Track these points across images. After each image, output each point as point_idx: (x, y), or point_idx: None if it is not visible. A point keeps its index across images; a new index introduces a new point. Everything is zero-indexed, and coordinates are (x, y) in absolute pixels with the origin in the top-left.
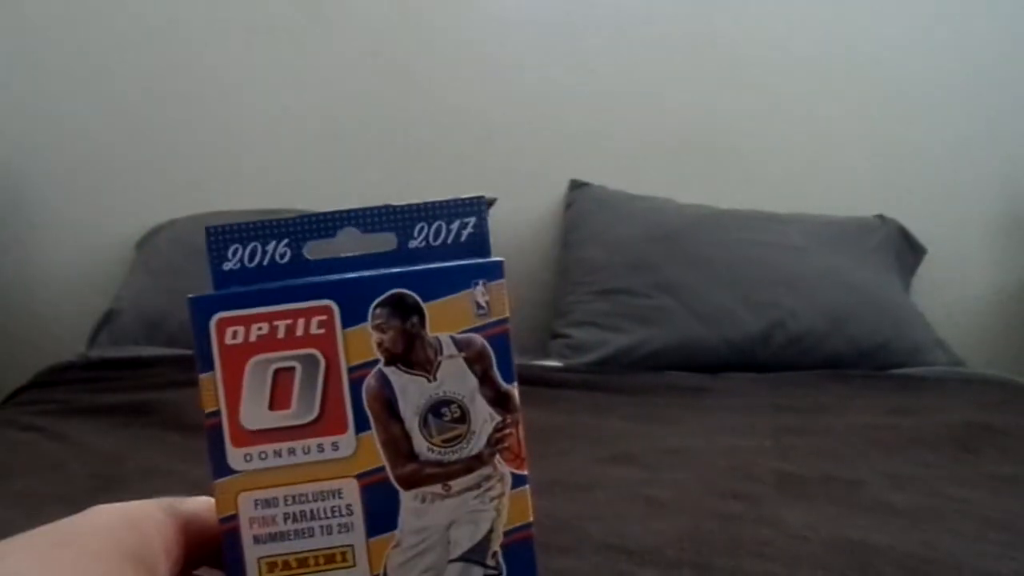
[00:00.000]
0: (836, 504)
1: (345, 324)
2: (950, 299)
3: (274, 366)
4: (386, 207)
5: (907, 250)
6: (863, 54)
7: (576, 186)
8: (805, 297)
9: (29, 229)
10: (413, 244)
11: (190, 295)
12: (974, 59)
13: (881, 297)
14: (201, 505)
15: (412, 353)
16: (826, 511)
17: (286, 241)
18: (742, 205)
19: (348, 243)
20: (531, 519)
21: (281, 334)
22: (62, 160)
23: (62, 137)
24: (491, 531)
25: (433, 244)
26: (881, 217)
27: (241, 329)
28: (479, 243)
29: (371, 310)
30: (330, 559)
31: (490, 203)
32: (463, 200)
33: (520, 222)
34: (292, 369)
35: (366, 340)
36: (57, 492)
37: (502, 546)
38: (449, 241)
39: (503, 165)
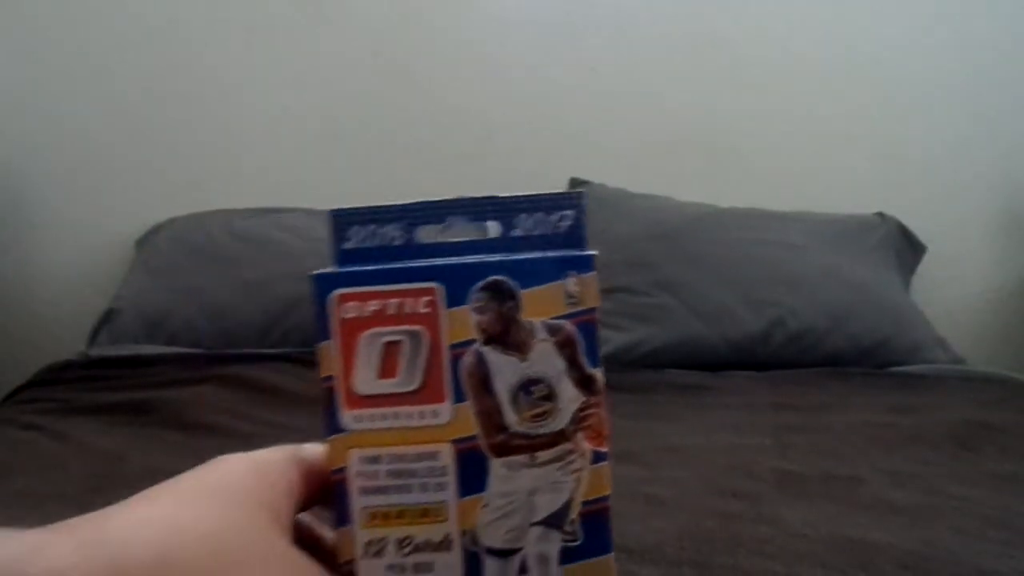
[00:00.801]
0: (836, 502)
1: (448, 305)
2: (950, 297)
3: (384, 339)
4: (492, 198)
5: (907, 248)
6: (863, 53)
7: (576, 184)
8: (805, 295)
9: (29, 228)
10: (515, 233)
11: (312, 272)
12: (974, 58)
13: (881, 295)
14: (316, 452)
15: (507, 335)
16: (826, 509)
17: (400, 225)
18: (742, 203)
19: (455, 229)
20: (608, 492)
21: (392, 311)
22: (62, 160)
23: (62, 137)
24: (570, 500)
25: (533, 233)
26: (881, 215)
27: (357, 304)
28: (576, 234)
29: (472, 293)
30: (424, 514)
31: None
32: (564, 193)
33: None
34: (400, 342)
35: (466, 320)
36: (57, 491)
37: (580, 515)
38: (548, 231)
39: (503, 164)
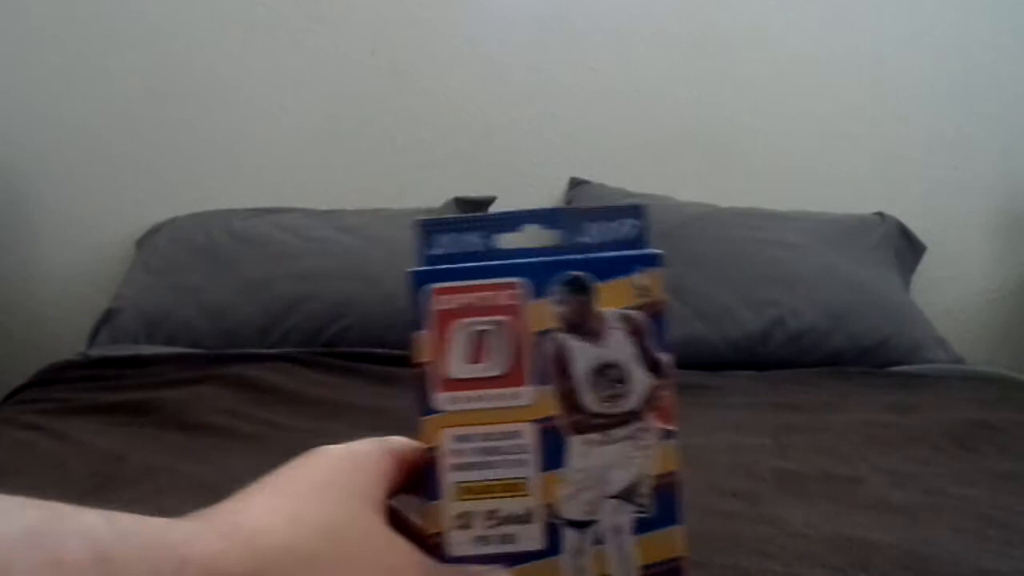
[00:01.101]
0: (836, 502)
1: (532, 297)
2: (950, 296)
3: (474, 328)
4: (562, 208)
5: (907, 247)
6: (863, 52)
7: (575, 184)
8: (805, 295)
9: (29, 228)
10: (584, 239)
11: (410, 268)
12: (973, 57)
13: (881, 295)
14: (401, 444)
15: (584, 324)
16: (826, 509)
17: (480, 233)
18: (742, 203)
19: (530, 237)
20: (676, 468)
21: (481, 303)
22: (62, 160)
23: (62, 137)
24: (642, 475)
25: (600, 240)
26: (881, 215)
27: (449, 298)
28: (640, 242)
29: (552, 287)
30: (509, 488)
31: (490, 201)
32: (627, 205)
33: None
34: (488, 332)
35: (547, 311)
36: (57, 491)
37: (651, 489)
38: (613, 238)
39: (502, 163)
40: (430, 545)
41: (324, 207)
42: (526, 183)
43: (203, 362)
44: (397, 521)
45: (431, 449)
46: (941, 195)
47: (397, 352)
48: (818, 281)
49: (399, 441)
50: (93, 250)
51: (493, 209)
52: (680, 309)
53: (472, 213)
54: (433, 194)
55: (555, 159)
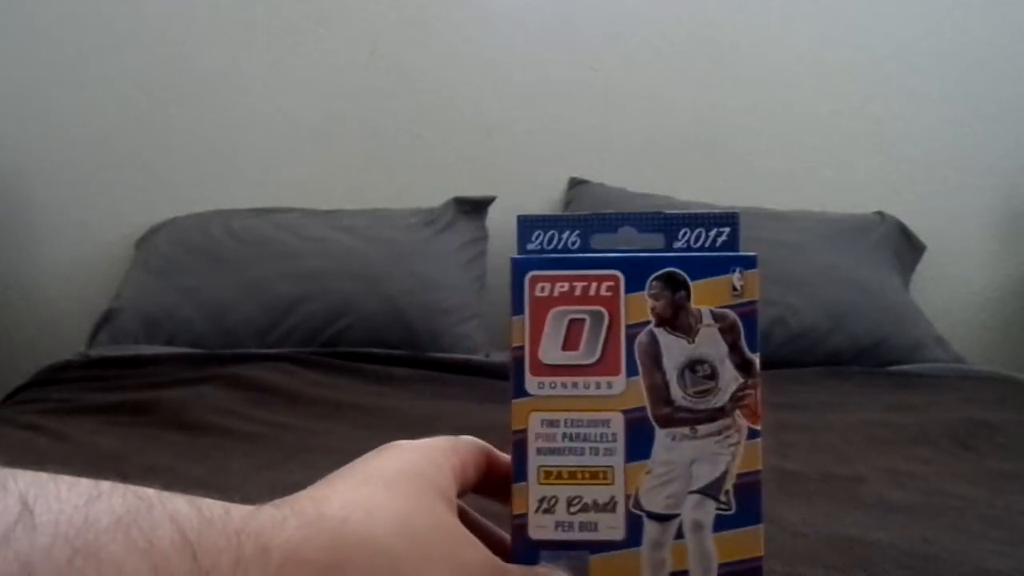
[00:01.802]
0: (836, 501)
1: (627, 290)
2: (949, 296)
3: (569, 316)
4: (659, 213)
5: (906, 247)
6: (862, 51)
7: (575, 183)
8: (805, 294)
9: (29, 228)
10: (677, 244)
11: (513, 255)
12: (973, 56)
13: (880, 294)
14: (474, 443)
15: (677, 319)
16: (826, 508)
17: (577, 232)
18: (742, 202)
19: (625, 239)
20: (760, 467)
21: (578, 292)
22: (62, 160)
23: (62, 137)
24: (726, 472)
25: (693, 246)
26: (880, 214)
27: (548, 285)
28: (731, 248)
29: (649, 282)
30: (594, 475)
31: (490, 201)
32: (721, 213)
33: None
34: (583, 320)
35: (643, 305)
36: None
37: (734, 486)
38: (706, 245)
39: (502, 163)
40: (514, 526)
41: (324, 207)
42: (526, 183)
43: (203, 362)
44: (466, 519)
45: (519, 431)
46: (941, 195)
47: (396, 352)
48: (818, 280)
49: (470, 441)
50: (93, 250)
51: (493, 209)
52: None
53: (566, 214)
54: (433, 194)
55: (555, 159)
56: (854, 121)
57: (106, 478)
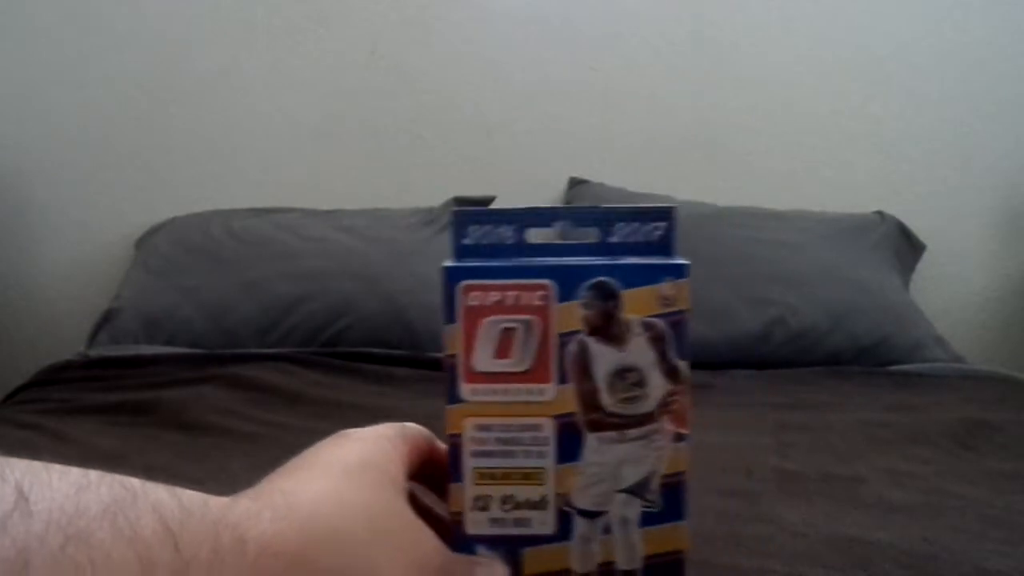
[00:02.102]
0: (836, 501)
1: (559, 299)
2: (949, 296)
3: (502, 325)
4: (594, 207)
5: (906, 247)
6: (862, 50)
7: (575, 183)
8: (805, 294)
9: (29, 228)
10: (612, 239)
11: (444, 264)
12: (973, 55)
13: (880, 294)
14: (419, 432)
15: (608, 328)
16: (826, 508)
17: (513, 226)
18: (741, 202)
19: (560, 233)
20: (686, 469)
21: (510, 302)
22: (62, 160)
23: (62, 137)
24: (652, 473)
25: (627, 241)
26: (880, 214)
27: (481, 295)
28: (666, 244)
29: (580, 291)
30: (526, 476)
31: (489, 201)
32: (658, 207)
33: None
34: (515, 329)
35: (574, 314)
36: None
37: (660, 486)
38: (641, 239)
39: (502, 163)
40: (450, 524)
41: (324, 207)
42: (526, 183)
43: (203, 362)
44: (415, 503)
45: (454, 436)
46: (941, 194)
47: (396, 352)
48: (818, 280)
49: (416, 428)
50: (93, 250)
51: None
52: None
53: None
54: (433, 194)
55: (555, 159)
56: (854, 121)
57: None
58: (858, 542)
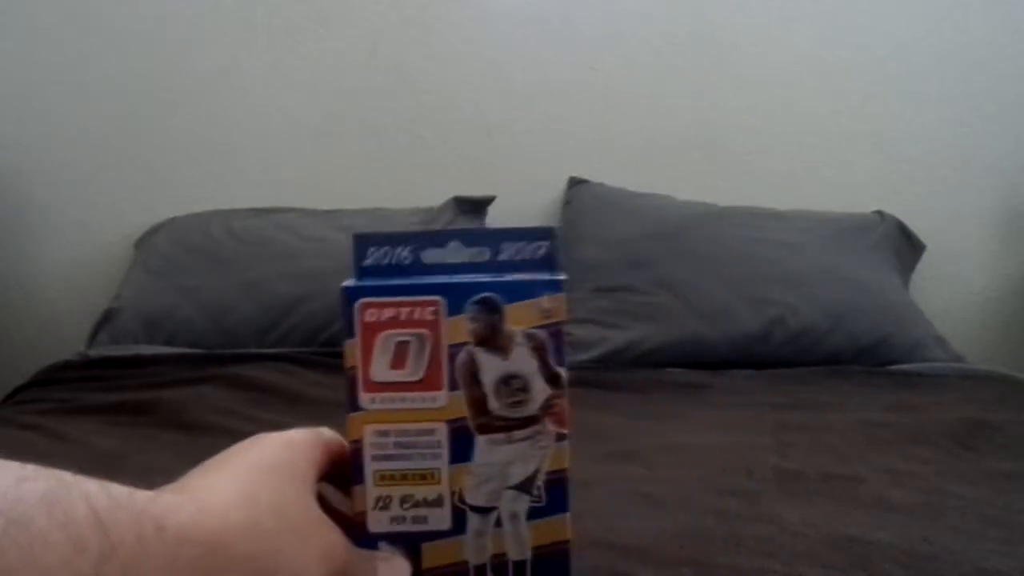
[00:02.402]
0: (836, 501)
1: (448, 314)
2: (949, 295)
3: (396, 339)
4: (483, 229)
5: (906, 246)
6: (862, 50)
7: (575, 183)
8: (805, 294)
9: (29, 228)
10: (501, 257)
11: (344, 284)
12: (973, 55)
13: (880, 294)
14: (331, 435)
15: (493, 339)
16: (825, 508)
17: (409, 248)
18: (742, 202)
19: (454, 253)
20: (567, 466)
21: (403, 317)
22: (62, 160)
23: (62, 137)
24: (537, 470)
25: (515, 259)
26: (880, 213)
27: (377, 311)
28: (550, 260)
29: (468, 306)
30: (423, 477)
31: (489, 201)
32: (539, 228)
33: (519, 219)
34: (408, 342)
35: (462, 327)
36: None
37: (544, 482)
38: (527, 257)
39: (502, 163)
40: (355, 522)
41: (324, 207)
42: (526, 183)
43: (203, 362)
44: (322, 502)
45: (355, 441)
46: (941, 194)
47: None
48: (818, 280)
49: (328, 432)
50: (93, 250)
51: (493, 208)
52: (680, 308)
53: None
54: (433, 194)
55: (555, 159)
56: (854, 121)
57: (106, 478)
58: (858, 542)
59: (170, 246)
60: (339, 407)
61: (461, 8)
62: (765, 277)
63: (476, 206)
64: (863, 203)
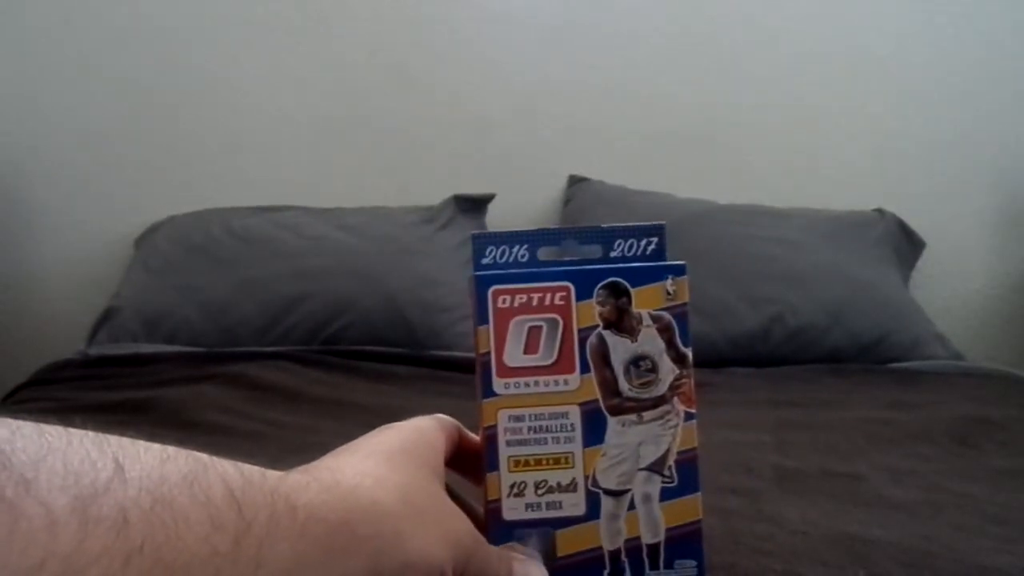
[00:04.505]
0: (836, 499)
1: (578, 299)
2: (949, 293)
3: (528, 324)
4: (596, 227)
5: (906, 244)
6: (862, 48)
7: (575, 181)
8: (804, 292)
9: (28, 228)
10: (613, 254)
11: (474, 272)
12: (973, 52)
13: (880, 291)
14: (453, 424)
15: (622, 322)
16: (825, 506)
17: (526, 246)
18: (741, 200)
19: (568, 250)
20: (696, 445)
21: (535, 303)
22: (61, 159)
23: (62, 135)
24: (668, 450)
25: (627, 255)
26: (880, 211)
27: (509, 297)
28: (659, 256)
29: (596, 290)
30: (556, 461)
31: (489, 199)
32: (649, 225)
33: (519, 217)
34: (540, 327)
35: (591, 311)
36: None
37: (675, 462)
38: (638, 253)
39: (502, 161)
40: (487, 511)
41: (324, 206)
42: (525, 181)
43: (202, 361)
44: (449, 492)
45: (489, 427)
46: (941, 191)
47: (396, 350)
48: (818, 278)
49: (450, 421)
50: (93, 249)
51: (493, 206)
52: None
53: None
54: (433, 192)
55: (554, 157)
56: (854, 118)
57: None
58: (858, 540)
59: (170, 245)
60: (338, 405)
61: (461, 8)
62: (765, 275)
63: (476, 204)
64: (863, 201)
